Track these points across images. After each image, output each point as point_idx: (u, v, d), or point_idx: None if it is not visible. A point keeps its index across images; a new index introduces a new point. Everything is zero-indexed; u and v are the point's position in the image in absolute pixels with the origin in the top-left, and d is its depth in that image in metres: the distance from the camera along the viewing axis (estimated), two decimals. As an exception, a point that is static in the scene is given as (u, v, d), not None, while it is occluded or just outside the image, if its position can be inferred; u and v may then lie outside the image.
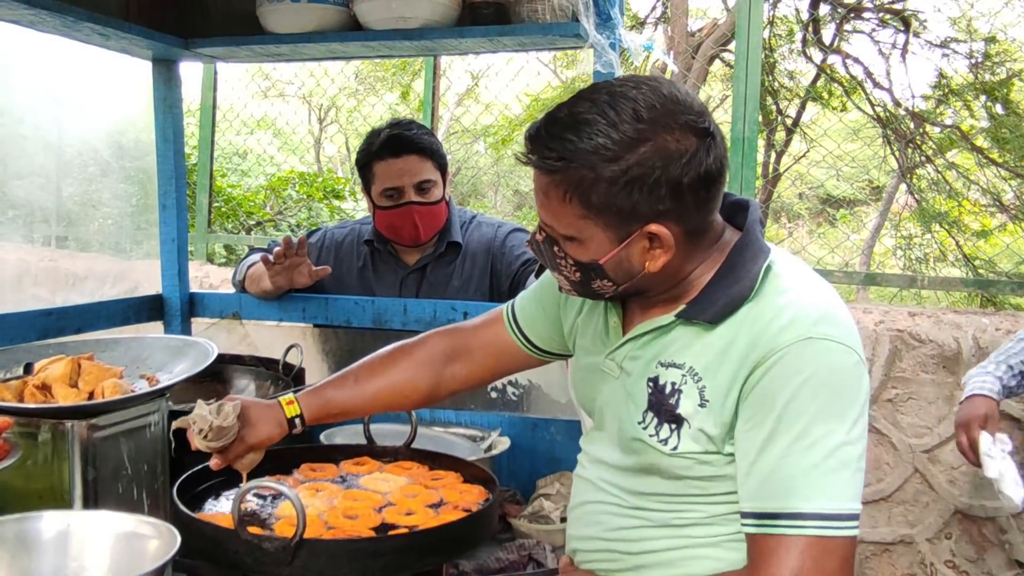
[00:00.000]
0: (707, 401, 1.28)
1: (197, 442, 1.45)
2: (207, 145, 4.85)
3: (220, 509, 1.64)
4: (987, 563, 3.06)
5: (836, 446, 1.20)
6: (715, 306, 1.29)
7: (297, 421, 1.55)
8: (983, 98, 5.27)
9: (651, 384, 1.33)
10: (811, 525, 1.19)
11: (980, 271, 4.96)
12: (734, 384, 1.26)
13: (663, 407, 1.31)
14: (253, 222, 6.27)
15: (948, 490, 3.09)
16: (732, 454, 1.28)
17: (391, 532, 1.53)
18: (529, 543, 1.87)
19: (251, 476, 1.53)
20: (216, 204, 5.79)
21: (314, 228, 2.72)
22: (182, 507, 1.46)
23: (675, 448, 1.30)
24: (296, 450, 1.85)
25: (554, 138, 1.23)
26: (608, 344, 1.44)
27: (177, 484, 1.57)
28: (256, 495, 1.63)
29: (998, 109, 5.22)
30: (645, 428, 1.33)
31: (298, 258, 2.34)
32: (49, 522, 1.33)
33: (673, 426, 1.30)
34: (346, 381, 1.61)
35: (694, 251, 1.32)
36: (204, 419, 1.42)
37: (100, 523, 1.34)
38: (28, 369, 1.77)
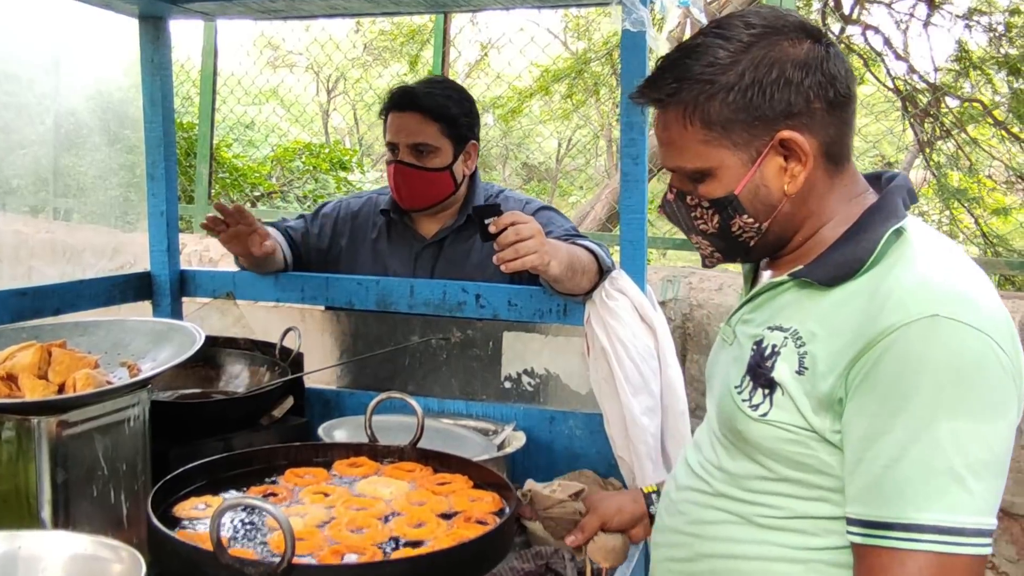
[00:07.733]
0: (805, 369, 1.16)
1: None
2: (208, 113, 4.70)
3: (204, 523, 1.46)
4: (1029, 564, 2.91)
5: (964, 448, 1.04)
6: (829, 266, 1.19)
7: (654, 497, 1.59)
8: (1003, 72, 5.17)
9: (755, 347, 1.25)
10: (929, 539, 1.03)
11: (998, 249, 4.83)
12: (840, 359, 1.12)
13: (759, 370, 1.22)
14: (258, 194, 6.13)
15: (988, 485, 2.92)
16: (824, 435, 1.14)
17: (396, 553, 1.34)
18: (546, 551, 1.71)
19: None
20: (221, 176, 5.63)
21: (325, 201, 2.56)
22: (156, 522, 1.28)
23: (764, 415, 1.19)
24: (289, 448, 1.68)
25: (668, 69, 1.23)
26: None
27: (152, 493, 1.39)
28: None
29: (1020, 84, 5.13)
30: (740, 392, 1.24)
31: (244, 228, 2.10)
32: (-6, 543, 1.17)
33: (766, 391, 1.20)
34: None
35: (834, 179, 1.24)
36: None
37: (54, 545, 1.18)
38: None
